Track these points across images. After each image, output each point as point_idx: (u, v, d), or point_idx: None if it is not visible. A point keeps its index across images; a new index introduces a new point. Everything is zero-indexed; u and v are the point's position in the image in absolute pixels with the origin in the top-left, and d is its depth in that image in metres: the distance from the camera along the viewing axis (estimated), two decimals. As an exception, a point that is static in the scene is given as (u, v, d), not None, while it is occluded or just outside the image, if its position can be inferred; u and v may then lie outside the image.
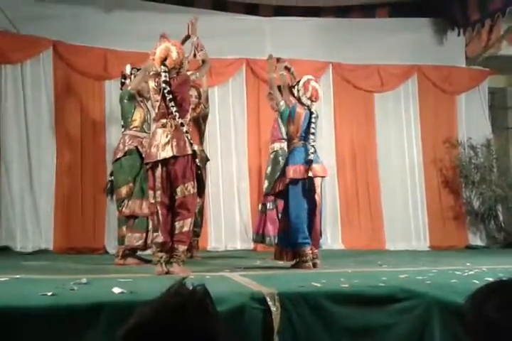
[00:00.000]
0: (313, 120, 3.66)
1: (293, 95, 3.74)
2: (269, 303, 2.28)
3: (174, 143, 3.15)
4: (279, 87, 3.87)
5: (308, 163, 3.55)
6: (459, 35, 6.40)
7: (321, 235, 3.75)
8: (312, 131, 3.64)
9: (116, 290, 2.25)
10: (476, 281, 2.70)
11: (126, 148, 3.96)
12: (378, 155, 6.15)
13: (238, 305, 2.25)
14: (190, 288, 0.93)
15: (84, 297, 2.17)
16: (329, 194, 5.94)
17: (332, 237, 5.85)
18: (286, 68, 3.94)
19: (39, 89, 5.25)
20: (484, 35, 6.35)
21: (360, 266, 3.75)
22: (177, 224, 3.17)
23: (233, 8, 6.09)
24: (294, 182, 3.58)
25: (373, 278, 2.83)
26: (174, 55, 3.22)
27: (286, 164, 3.71)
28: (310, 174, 3.54)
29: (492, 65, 6.46)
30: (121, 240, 3.96)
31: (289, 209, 3.61)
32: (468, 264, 3.68)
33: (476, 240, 6.25)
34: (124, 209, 3.89)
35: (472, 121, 6.44)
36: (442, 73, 6.41)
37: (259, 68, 5.94)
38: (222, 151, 5.75)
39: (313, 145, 3.62)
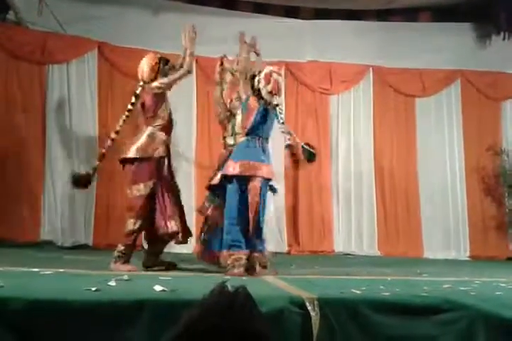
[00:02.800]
0: (271, 116, 3.30)
1: (252, 86, 3.36)
2: (309, 308, 2.26)
3: None
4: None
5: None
6: (504, 39, 6.21)
7: (257, 237, 3.27)
8: (263, 126, 3.31)
9: (158, 288, 2.28)
10: (523, 294, 2.61)
11: None
12: (418, 161, 6.03)
13: (277, 308, 2.23)
14: (232, 289, 0.94)
15: (126, 293, 2.21)
16: (366, 199, 5.88)
17: (368, 243, 5.78)
18: (256, 53, 3.60)
19: (83, 89, 5.40)
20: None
21: (399, 274, 3.67)
22: None
23: (274, 11, 6.10)
24: (229, 178, 3.27)
25: (414, 287, 2.76)
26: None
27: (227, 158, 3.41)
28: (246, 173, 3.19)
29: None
30: None
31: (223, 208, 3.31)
32: (512, 276, 3.56)
33: (518, 251, 6.04)
34: None
35: (517, 128, 6.25)
36: (487, 78, 6.24)
37: (298, 71, 5.94)
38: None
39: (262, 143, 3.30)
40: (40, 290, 2.22)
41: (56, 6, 5.19)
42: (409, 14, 6.35)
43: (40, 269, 2.88)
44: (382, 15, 6.31)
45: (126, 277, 2.62)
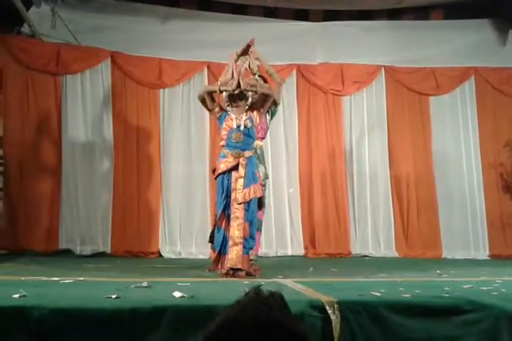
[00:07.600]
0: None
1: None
2: (329, 312, 2.25)
3: None
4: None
5: None
6: (517, 35, 6.13)
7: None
8: None
9: (177, 294, 2.29)
10: (546, 293, 2.57)
11: None
12: (434, 160, 5.95)
13: (297, 312, 2.22)
14: (267, 291, 0.96)
15: (146, 300, 2.22)
16: (382, 200, 5.83)
17: (385, 245, 5.72)
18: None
19: (98, 98, 5.45)
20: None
21: (419, 275, 3.63)
22: None
23: (284, 14, 6.11)
24: None
25: (435, 288, 2.73)
26: None
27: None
28: None
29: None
30: None
31: None
32: (534, 275, 3.50)
33: (539, 249, 5.91)
34: None
35: (534, 124, 6.14)
36: (502, 75, 6.16)
37: (309, 74, 5.93)
38: (273, 156, 5.75)
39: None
40: (61, 298, 2.24)
41: (68, 18, 5.27)
42: (421, 12, 6.30)
43: (61, 278, 2.91)
44: (393, 14, 6.27)
45: (145, 284, 2.64)
